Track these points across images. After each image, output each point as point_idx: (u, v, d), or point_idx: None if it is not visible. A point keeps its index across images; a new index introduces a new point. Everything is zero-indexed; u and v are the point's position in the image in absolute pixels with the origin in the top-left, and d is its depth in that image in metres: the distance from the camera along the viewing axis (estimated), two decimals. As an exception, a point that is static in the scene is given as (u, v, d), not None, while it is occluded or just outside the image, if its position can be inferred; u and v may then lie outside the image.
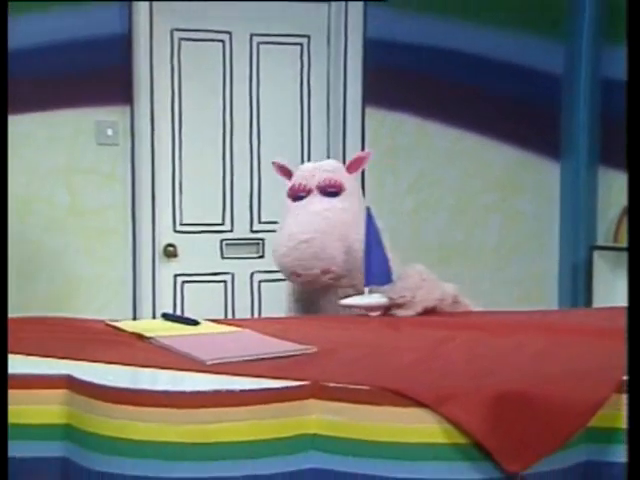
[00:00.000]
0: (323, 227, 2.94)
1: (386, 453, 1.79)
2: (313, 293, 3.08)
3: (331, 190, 3.02)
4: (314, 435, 1.82)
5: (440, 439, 1.77)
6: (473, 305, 3.04)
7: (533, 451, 1.77)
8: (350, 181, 3.09)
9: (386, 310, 2.82)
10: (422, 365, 2.05)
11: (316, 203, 3.02)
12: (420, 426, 1.78)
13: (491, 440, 1.75)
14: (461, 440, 1.77)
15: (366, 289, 2.85)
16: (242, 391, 1.81)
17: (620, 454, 1.84)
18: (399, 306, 2.80)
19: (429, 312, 2.83)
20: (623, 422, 1.85)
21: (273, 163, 3.26)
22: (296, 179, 3.10)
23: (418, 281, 2.86)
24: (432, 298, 2.84)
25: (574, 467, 1.84)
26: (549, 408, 1.79)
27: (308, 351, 2.14)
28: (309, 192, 3.04)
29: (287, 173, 3.18)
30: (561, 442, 1.79)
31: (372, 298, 2.84)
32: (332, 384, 1.84)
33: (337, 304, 2.96)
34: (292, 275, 2.98)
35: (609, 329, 2.45)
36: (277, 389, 1.83)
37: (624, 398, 1.85)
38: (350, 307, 2.86)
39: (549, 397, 1.81)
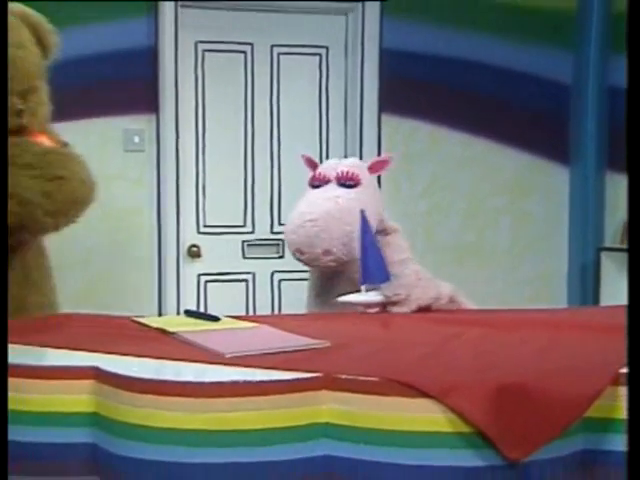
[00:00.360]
0: (331, 210, 2.94)
1: (394, 441, 1.80)
2: (331, 287, 3.09)
3: (348, 182, 3.03)
4: (326, 424, 1.83)
5: (445, 428, 1.79)
6: (470, 304, 3.05)
7: (533, 440, 1.79)
8: (368, 179, 3.09)
9: (382, 307, 2.84)
10: (429, 359, 2.07)
11: (330, 190, 3.03)
12: (426, 416, 1.79)
13: (493, 429, 1.77)
14: (465, 429, 1.78)
15: (363, 287, 2.86)
16: (258, 382, 1.83)
17: (616, 443, 1.86)
18: (394, 303, 2.83)
19: (425, 310, 2.85)
20: (618, 413, 1.86)
21: (302, 156, 3.28)
22: (319, 170, 3.13)
23: (414, 280, 2.88)
24: (427, 297, 2.87)
25: (572, 455, 1.85)
26: (548, 399, 1.81)
27: (321, 345, 2.16)
28: (327, 182, 3.06)
29: (313, 165, 3.21)
30: (559, 431, 1.80)
31: (368, 296, 2.85)
32: (343, 376, 1.85)
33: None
34: (296, 252, 2.98)
35: (607, 326, 2.47)
36: (291, 380, 1.85)
37: (620, 390, 1.87)
38: (348, 304, 2.87)
39: (548, 389, 1.83)
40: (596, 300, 5.01)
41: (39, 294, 3.14)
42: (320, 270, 3.10)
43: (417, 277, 2.90)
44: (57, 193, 2.93)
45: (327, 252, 2.92)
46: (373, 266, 2.83)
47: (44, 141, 3.12)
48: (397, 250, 3.01)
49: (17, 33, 2.98)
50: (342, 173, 3.05)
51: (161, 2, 4.63)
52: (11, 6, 2.96)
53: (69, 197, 3.01)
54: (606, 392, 1.86)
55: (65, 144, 3.25)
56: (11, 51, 2.84)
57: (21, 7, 3.04)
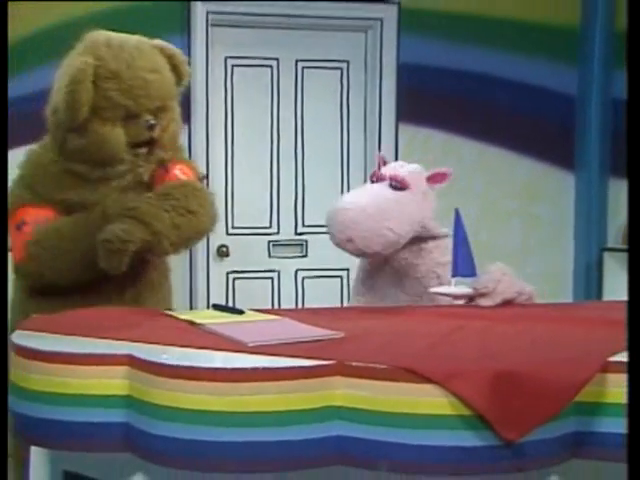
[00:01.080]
0: (366, 205, 2.92)
1: (401, 422, 1.82)
2: (377, 275, 3.12)
3: (396, 184, 3.00)
4: (339, 407, 1.85)
5: (447, 411, 1.81)
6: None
7: (528, 422, 1.81)
8: (418, 186, 3.03)
9: (469, 300, 2.83)
10: (434, 349, 2.08)
11: (378, 188, 3.01)
12: (430, 399, 1.82)
13: (491, 412, 1.79)
14: (465, 412, 1.80)
15: (452, 280, 2.86)
16: (277, 368, 1.86)
17: (604, 425, 1.88)
18: (482, 295, 2.80)
19: (507, 304, 2.81)
20: (607, 397, 1.88)
21: (376, 156, 3.32)
22: (382, 168, 3.12)
23: (499, 275, 2.85)
24: (511, 291, 2.84)
25: (564, 436, 1.87)
26: (542, 385, 1.83)
27: (336, 336, 2.17)
28: (382, 180, 3.04)
29: (383, 163, 3.19)
30: (552, 414, 1.83)
31: (459, 288, 2.85)
32: (355, 363, 1.87)
33: (396, 288, 3.05)
34: (329, 235, 2.98)
35: (597, 319, 2.50)
36: (307, 367, 1.87)
37: (608, 377, 1.89)
38: (438, 295, 2.88)
39: (542, 376, 1.85)
40: (599, 296, 5.00)
41: (157, 296, 3.27)
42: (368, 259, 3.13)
43: (502, 272, 2.88)
44: (186, 227, 3.05)
45: (350, 240, 2.90)
46: (462, 261, 2.84)
47: (183, 171, 3.24)
48: (446, 254, 3.00)
49: (151, 59, 3.18)
50: (394, 176, 3.03)
51: (194, 22, 4.68)
52: (152, 41, 3.25)
53: (195, 231, 3.14)
54: (595, 379, 1.88)
55: (203, 177, 3.45)
56: (144, 74, 3.09)
57: (160, 42, 3.29)
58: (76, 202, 3.11)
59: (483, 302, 2.81)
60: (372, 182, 3.10)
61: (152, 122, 3.14)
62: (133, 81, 3.08)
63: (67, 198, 3.12)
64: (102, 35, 3.19)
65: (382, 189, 3.01)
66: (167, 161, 3.22)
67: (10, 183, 3.24)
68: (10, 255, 3.11)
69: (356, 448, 1.85)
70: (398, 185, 3.00)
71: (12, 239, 3.14)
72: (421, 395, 1.82)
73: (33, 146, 3.33)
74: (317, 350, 2.01)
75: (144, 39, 3.25)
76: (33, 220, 3.11)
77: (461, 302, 2.84)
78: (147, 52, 3.17)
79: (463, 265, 2.86)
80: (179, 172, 3.22)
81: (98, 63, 3.06)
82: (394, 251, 3.01)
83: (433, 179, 3.08)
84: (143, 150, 3.17)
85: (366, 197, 2.98)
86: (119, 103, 3.07)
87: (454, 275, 2.87)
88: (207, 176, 4.76)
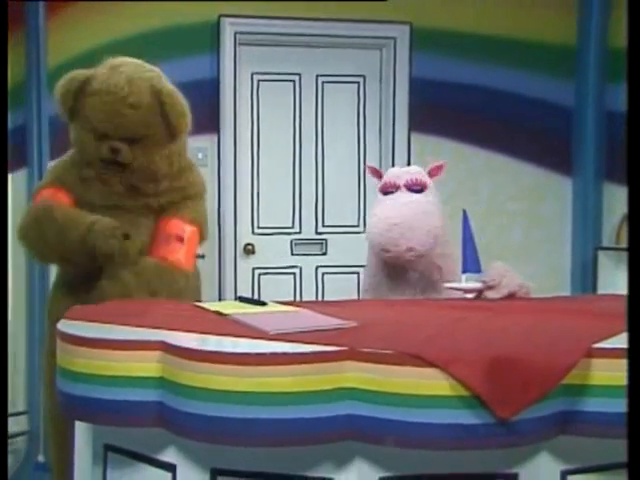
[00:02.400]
0: (410, 214, 2.96)
1: (406, 402, 1.82)
2: (392, 273, 3.14)
3: (416, 188, 3.05)
4: (351, 388, 1.85)
5: (448, 392, 1.81)
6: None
7: (520, 401, 1.81)
8: (430, 183, 3.12)
9: (478, 293, 2.84)
10: (437, 337, 2.08)
11: (404, 196, 3.04)
12: (433, 382, 1.82)
13: (487, 393, 1.80)
14: (464, 393, 1.80)
15: (463, 276, 2.87)
16: (295, 353, 1.87)
17: (588, 405, 1.89)
18: (490, 288, 2.81)
19: (511, 296, 2.82)
20: (591, 380, 1.89)
21: (367, 167, 3.32)
22: (387, 178, 3.14)
23: (503, 271, 2.87)
24: (514, 284, 2.84)
25: (552, 415, 1.88)
26: (533, 369, 1.83)
27: (349, 325, 2.17)
28: (397, 188, 3.07)
29: (377, 174, 3.23)
30: (542, 395, 1.83)
31: (470, 283, 2.86)
32: (365, 349, 1.87)
33: (410, 281, 3.08)
34: (382, 251, 2.99)
35: (585, 310, 2.51)
36: (322, 352, 1.87)
37: (592, 362, 1.90)
38: (453, 289, 2.89)
39: (533, 360, 1.85)
40: (594, 290, 4.98)
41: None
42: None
43: (505, 268, 2.89)
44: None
45: (410, 249, 2.94)
46: (471, 258, 2.86)
47: (178, 231, 3.12)
48: (446, 246, 3.04)
49: (137, 93, 3.03)
50: (411, 180, 3.07)
51: (223, 41, 4.71)
52: (151, 72, 3.10)
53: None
54: (581, 363, 1.88)
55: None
56: (119, 107, 2.98)
57: (155, 77, 3.13)
58: (76, 198, 3.08)
59: (491, 295, 2.81)
60: (385, 193, 3.11)
61: (116, 146, 3.03)
62: (107, 106, 2.99)
63: (74, 191, 3.10)
64: (115, 59, 3.13)
65: (408, 196, 3.04)
66: (167, 206, 3.14)
67: None
68: None
69: (365, 425, 1.85)
70: (418, 188, 3.04)
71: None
72: (424, 378, 1.83)
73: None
74: (331, 337, 2.02)
75: (145, 69, 3.12)
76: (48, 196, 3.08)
77: (471, 296, 2.84)
78: (136, 85, 3.01)
79: (471, 262, 2.87)
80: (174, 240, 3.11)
81: (90, 79, 3.02)
82: None
83: (433, 173, 3.14)
84: (112, 167, 3.05)
85: (405, 208, 3.00)
86: (90, 120, 3.03)
87: (464, 271, 2.87)
88: (235, 181, 4.80)
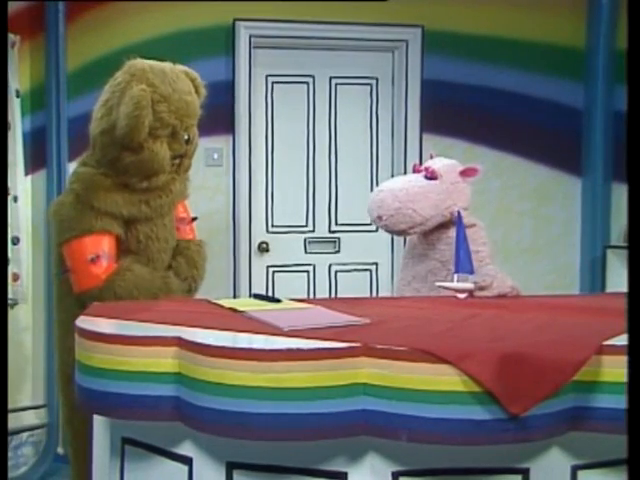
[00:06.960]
0: (397, 188, 3.10)
1: (419, 398, 1.83)
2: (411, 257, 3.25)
3: (427, 175, 3.13)
4: (364, 384, 1.86)
5: (460, 388, 1.82)
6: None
7: (531, 398, 1.81)
8: (449, 178, 3.14)
9: (469, 294, 2.84)
10: (449, 333, 2.09)
11: (413, 177, 3.18)
12: (445, 378, 1.82)
13: (499, 389, 1.80)
14: (476, 389, 1.81)
15: (455, 276, 2.87)
16: (310, 350, 1.88)
17: (599, 401, 1.89)
18: (481, 288, 2.82)
19: (501, 297, 2.81)
20: (601, 377, 1.88)
21: (430, 152, 3.40)
22: (426, 163, 3.26)
23: (494, 273, 2.90)
24: (505, 286, 2.85)
25: (563, 411, 1.88)
26: (544, 366, 1.83)
27: (362, 322, 2.18)
28: (419, 172, 3.18)
29: (430, 157, 3.33)
30: (553, 391, 1.83)
31: (461, 283, 2.86)
32: (379, 346, 1.88)
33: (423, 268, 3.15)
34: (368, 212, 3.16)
35: (595, 308, 2.50)
36: (336, 349, 1.88)
37: (602, 359, 1.89)
38: (444, 289, 2.89)
39: (545, 357, 1.85)
40: (603, 288, 4.95)
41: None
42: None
43: (496, 270, 2.94)
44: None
45: (379, 217, 3.08)
46: (464, 259, 2.86)
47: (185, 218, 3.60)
48: (473, 243, 3.03)
49: (186, 83, 3.29)
50: (427, 167, 3.17)
51: (237, 44, 4.69)
52: (178, 66, 3.36)
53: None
54: (591, 360, 1.88)
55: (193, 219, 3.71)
56: (185, 96, 3.23)
57: (183, 67, 3.39)
58: (126, 217, 3.21)
59: (482, 294, 2.82)
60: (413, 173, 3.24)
61: (187, 137, 3.27)
62: (178, 103, 3.19)
63: (119, 212, 3.19)
64: (144, 63, 3.23)
65: (416, 178, 3.14)
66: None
67: (63, 197, 3.30)
68: (71, 278, 3.20)
69: (379, 420, 1.86)
70: (429, 175, 3.12)
71: (80, 267, 3.17)
72: (437, 374, 1.83)
73: (79, 167, 3.36)
74: (345, 334, 2.02)
75: (172, 65, 3.34)
76: (104, 254, 3.16)
77: (462, 296, 2.83)
78: (181, 77, 3.29)
79: (464, 263, 2.86)
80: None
81: (151, 89, 3.12)
82: (422, 232, 3.13)
83: (465, 173, 3.17)
84: (177, 161, 3.30)
85: (399, 183, 3.14)
86: (168, 122, 3.17)
87: (456, 272, 2.88)
88: (250, 181, 4.80)
